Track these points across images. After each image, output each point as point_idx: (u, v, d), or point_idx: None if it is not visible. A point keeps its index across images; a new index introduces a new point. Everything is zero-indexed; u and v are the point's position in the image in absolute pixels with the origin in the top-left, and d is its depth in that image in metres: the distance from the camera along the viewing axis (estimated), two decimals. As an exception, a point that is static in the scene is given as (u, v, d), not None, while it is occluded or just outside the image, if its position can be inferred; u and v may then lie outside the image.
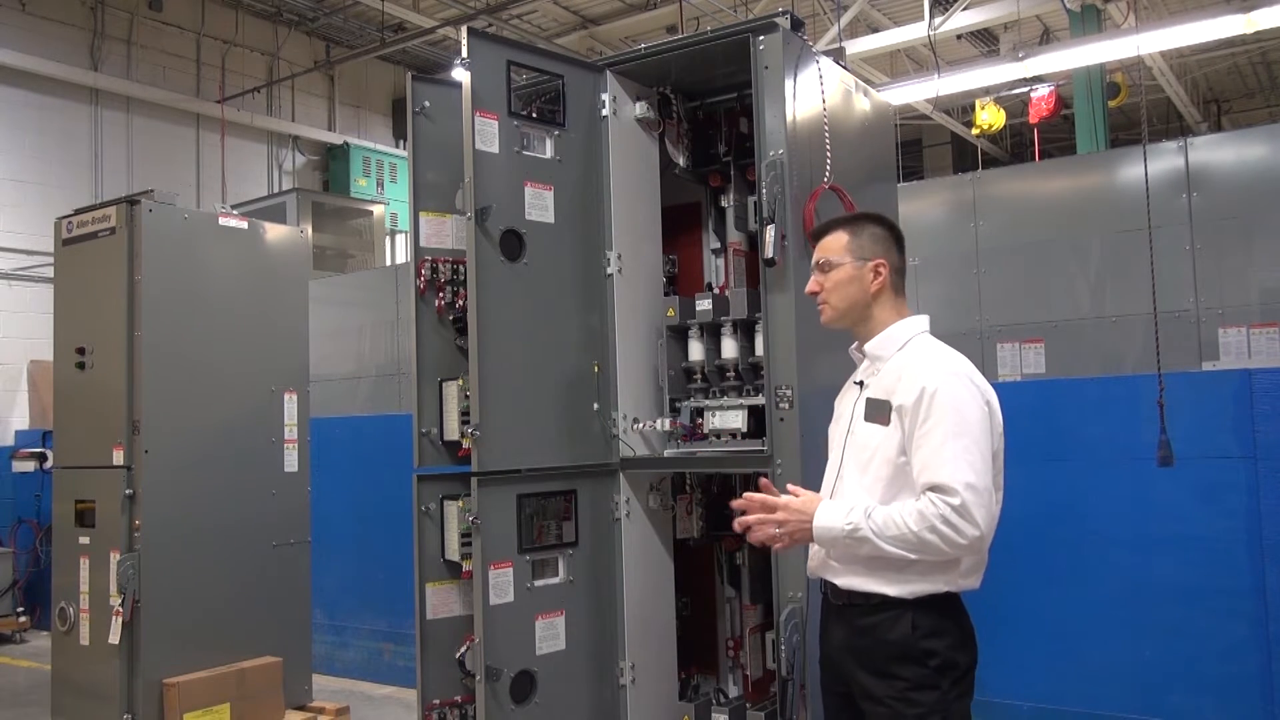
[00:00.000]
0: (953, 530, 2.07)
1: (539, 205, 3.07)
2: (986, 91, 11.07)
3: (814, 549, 2.35)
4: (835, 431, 2.45)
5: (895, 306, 2.37)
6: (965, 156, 14.63)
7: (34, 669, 6.61)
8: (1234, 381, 3.83)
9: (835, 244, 2.39)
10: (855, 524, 2.15)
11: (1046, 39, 11.13)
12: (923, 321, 2.37)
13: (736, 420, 3.09)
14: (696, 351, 3.25)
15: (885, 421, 2.24)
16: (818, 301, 2.42)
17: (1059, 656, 3.99)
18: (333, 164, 12.12)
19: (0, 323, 9.15)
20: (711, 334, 3.25)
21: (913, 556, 2.13)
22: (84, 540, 4.43)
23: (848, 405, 2.41)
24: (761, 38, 2.86)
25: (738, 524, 2.30)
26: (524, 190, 3.04)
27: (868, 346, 2.36)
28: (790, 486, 2.34)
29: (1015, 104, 11.99)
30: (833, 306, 2.39)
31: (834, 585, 2.31)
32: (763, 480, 2.37)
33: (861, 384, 2.38)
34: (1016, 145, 15.44)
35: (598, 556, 3.14)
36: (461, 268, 3.18)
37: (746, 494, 2.31)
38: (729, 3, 10.06)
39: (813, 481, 2.66)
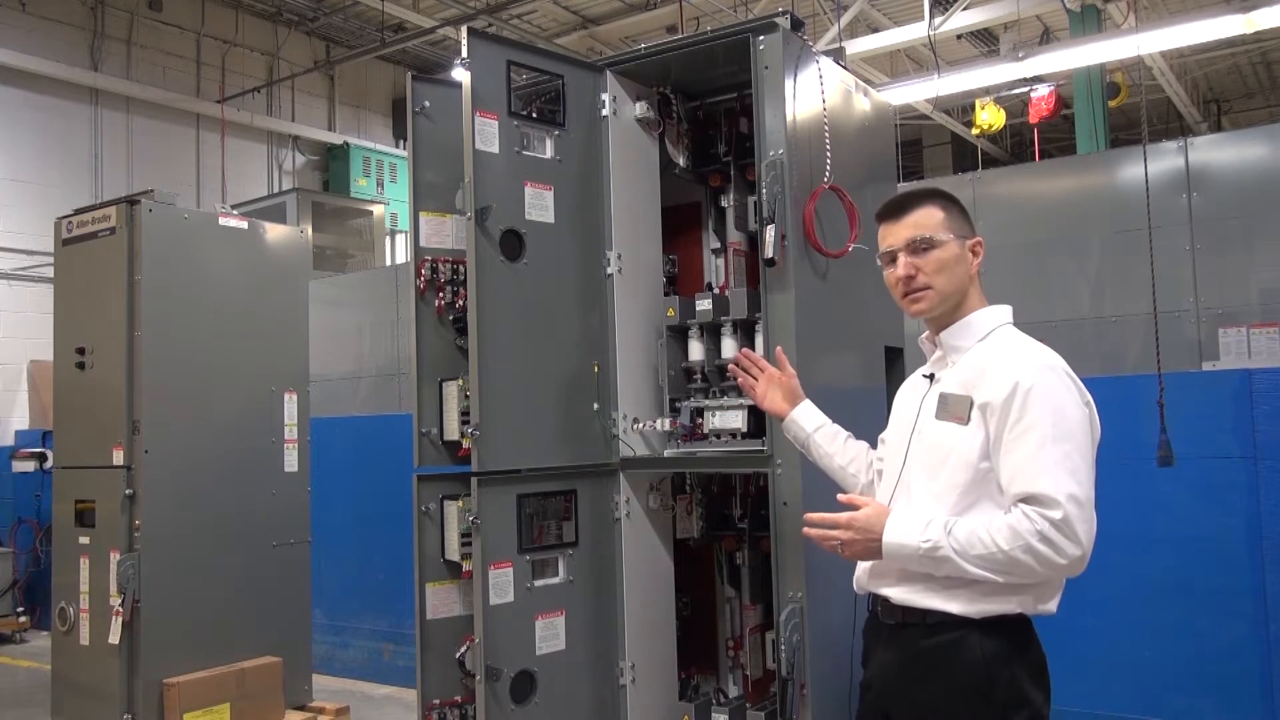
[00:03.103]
0: (1051, 549, 1.81)
1: (539, 205, 3.07)
2: (986, 91, 11.07)
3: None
4: (896, 433, 2.18)
5: (982, 293, 2.13)
6: (965, 156, 14.64)
7: (34, 669, 6.62)
8: (1234, 381, 3.83)
9: (930, 220, 2.08)
10: (935, 541, 1.89)
11: (1046, 39, 11.13)
12: (1007, 312, 2.12)
13: (736, 420, 3.08)
14: (696, 351, 3.25)
15: (964, 420, 1.97)
16: (912, 287, 2.10)
17: (1059, 656, 3.97)
18: (333, 164, 12.12)
19: (0, 323, 9.15)
20: (711, 334, 3.25)
21: (999, 579, 1.87)
22: (84, 540, 4.43)
23: (912, 402, 2.15)
24: (761, 38, 2.85)
25: (805, 533, 2.12)
26: (524, 190, 3.04)
27: (944, 335, 2.09)
28: (845, 498, 2.09)
29: (1015, 104, 11.99)
30: (938, 291, 2.08)
31: (886, 601, 2.04)
32: (742, 352, 2.56)
33: (931, 377, 2.12)
34: (1016, 145, 15.45)
35: (598, 556, 3.14)
36: (461, 268, 3.18)
37: (806, 515, 2.09)
38: (729, 3, 10.06)
39: (812, 482, 2.66)
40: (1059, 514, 1.82)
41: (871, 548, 1.98)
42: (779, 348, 2.60)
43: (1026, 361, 1.95)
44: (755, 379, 2.58)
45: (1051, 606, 1.98)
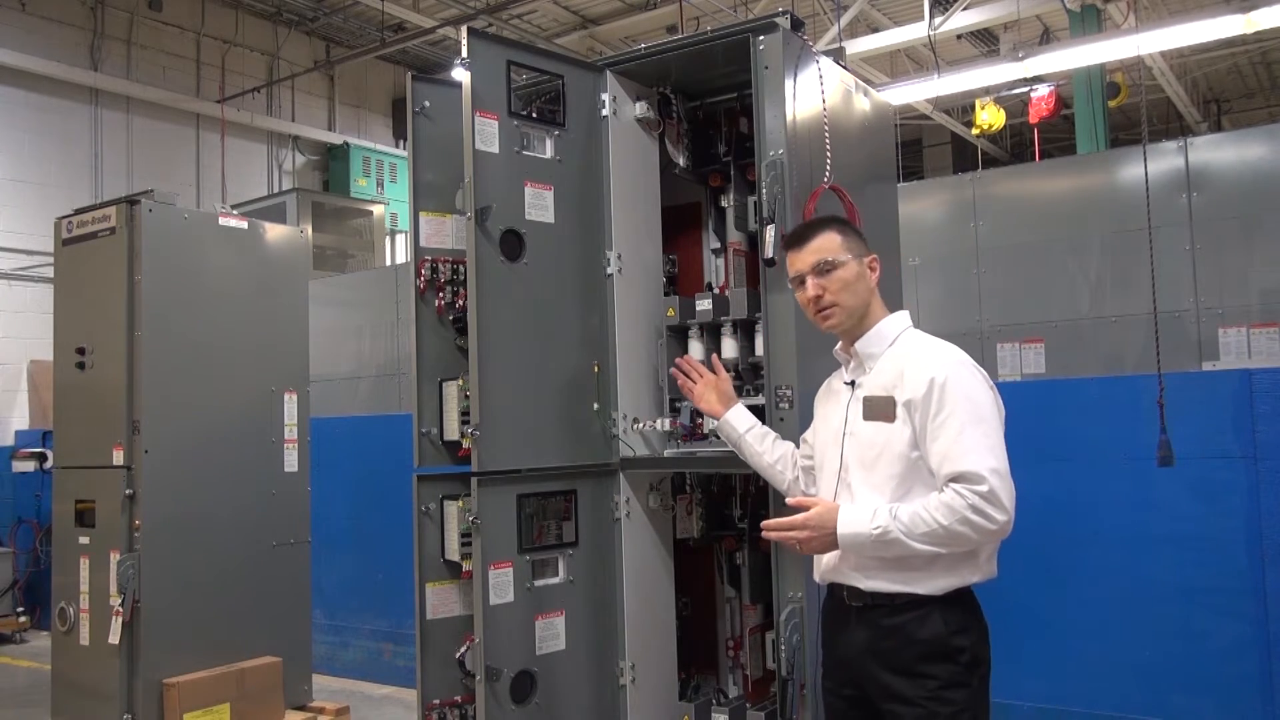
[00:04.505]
0: (983, 518, 2.06)
1: (539, 205, 3.07)
2: (986, 91, 11.08)
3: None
4: (826, 437, 2.42)
5: (882, 303, 2.39)
6: (965, 156, 14.63)
7: (34, 669, 6.62)
8: (1234, 381, 3.83)
9: (830, 244, 2.35)
10: (883, 526, 2.13)
11: (1046, 39, 11.13)
12: (906, 316, 2.39)
13: (736, 420, 3.08)
14: (696, 351, 3.25)
15: (890, 418, 2.21)
16: (821, 305, 2.35)
17: (1059, 656, 3.99)
18: (333, 164, 12.13)
19: (0, 323, 9.15)
20: (711, 334, 3.25)
21: (943, 551, 2.12)
22: (84, 540, 4.43)
23: (837, 407, 2.39)
24: (761, 38, 2.85)
25: (765, 536, 2.38)
26: (524, 190, 3.04)
27: (859, 345, 2.35)
28: (793, 501, 2.34)
29: (1015, 104, 11.99)
30: (844, 307, 2.34)
31: (854, 588, 2.27)
32: (683, 358, 2.89)
33: (853, 384, 2.36)
34: (1016, 145, 15.45)
35: (598, 556, 3.14)
36: (461, 268, 3.17)
37: (764, 522, 2.37)
38: (729, 2, 10.06)
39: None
40: (985, 487, 2.07)
41: (827, 541, 2.23)
42: (714, 355, 2.96)
43: (938, 359, 2.22)
44: (694, 382, 2.83)
45: (994, 569, 2.24)
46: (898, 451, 2.20)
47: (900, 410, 2.20)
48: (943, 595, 2.16)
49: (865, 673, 2.25)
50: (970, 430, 2.11)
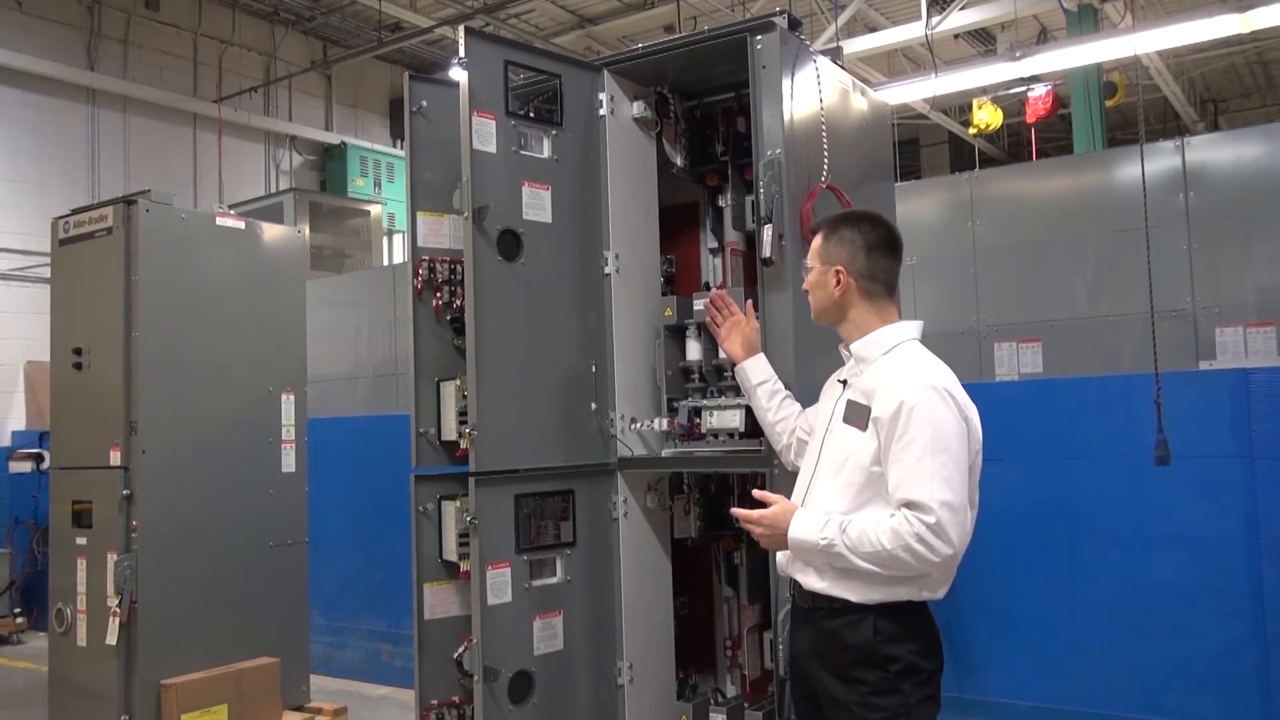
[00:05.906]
0: (926, 549, 2.08)
1: (536, 205, 3.07)
2: (984, 91, 11.07)
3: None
4: (818, 427, 2.46)
5: (876, 311, 2.36)
6: (962, 156, 14.64)
7: (31, 670, 6.60)
8: (1231, 380, 3.83)
9: (814, 246, 2.45)
10: (830, 539, 2.17)
11: (1044, 38, 11.14)
12: (912, 328, 2.36)
13: (734, 420, 3.08)
14: (694, 351, 3.25)
15: (862, 427, 2.24)
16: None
17: (1058, 656, 3.99)
18: (330, 164, 12.11)
19: (-3, 323, 9.14)
20: (709, 333, 3.24)
21: (884, 572, 2.15)
22: (81, 541, 4.42)
23: (829, 402, 2.42)
24: (759, 37, 2.85)
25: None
26: (521, 190, 3.04)
27: (854, 346, 2.37)
28: (758, 494, 2.37)
29: (1012, 103, 11.98)
30: (812, 308, 2.46)
31: (800, 587, 2.33)
32: (717, 292, 2.90)
33: (845, 382, 2.38)
34: (1014, 145, 15.44)
35: (596, 556, 3.14)
36: (459, 267, 3.17)
37: (734, 510, 2.41)
38: (726, 2, 10.06)
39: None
40: (933, 519, 2.08)
41: (779, 540, 2.29)
42: (749, 300, 2.89)
43: (912, 381, 2.19)
44: (723, 319, 2.88)
45: (939, 593, 2.25)
46: (861, 462, 2.22)
47: (871, 425, 2.22)
48: (877, 605, 2.19)
49: (811, 673, 2.31)
50: (929, 460, 2.11)
